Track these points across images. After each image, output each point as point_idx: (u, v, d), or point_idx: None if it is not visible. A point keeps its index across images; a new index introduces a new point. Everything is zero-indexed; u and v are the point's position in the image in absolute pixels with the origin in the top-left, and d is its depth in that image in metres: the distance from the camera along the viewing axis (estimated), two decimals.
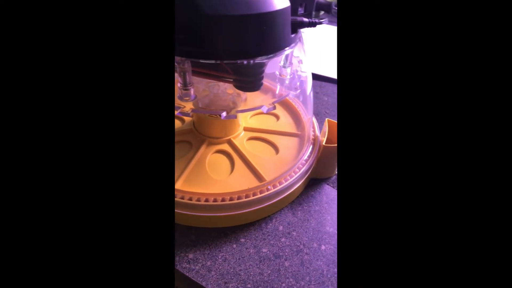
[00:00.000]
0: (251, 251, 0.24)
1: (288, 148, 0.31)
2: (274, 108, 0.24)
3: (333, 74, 0.49)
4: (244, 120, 0.34)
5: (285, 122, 0.35)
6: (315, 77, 0.48)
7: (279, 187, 0.26)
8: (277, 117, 0.36)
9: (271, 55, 0.21)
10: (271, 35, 0.20)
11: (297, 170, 0.28)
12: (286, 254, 0.24)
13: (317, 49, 0.57)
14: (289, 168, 0.28)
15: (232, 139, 0.31)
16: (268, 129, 0.33)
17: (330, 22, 0.70)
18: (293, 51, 0.26)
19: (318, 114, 0.40)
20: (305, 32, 0.63)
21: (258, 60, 0.21)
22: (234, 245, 0.24)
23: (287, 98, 0.37)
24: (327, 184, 0.30)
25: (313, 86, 0.47)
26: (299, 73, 0.29)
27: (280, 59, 0.26)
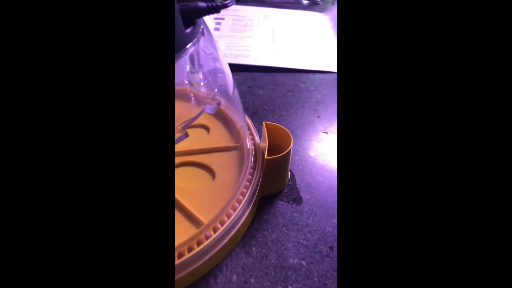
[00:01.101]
0: None
1: (226, 168, 0.25)
2: (186, 135, 0.17)
3: (267, 62, 0.43)
4: None
5: (218, 134, 0.28)
6: (245, 68, 0.42)
7: (222, 229, 0.20)
8: (208, 129, 0.29)
9: None
10: None
11: (241, 197, 0.22)
12: None
13: (242, 35, 0.51)
14: (231, 197, 0.22)
15: None
16: (198, 148, 0.27)
17: (258, 4, 0.64)
18: (199, 48, 0.20)
19: (256, 113, 0.34)
20: (228, 17, 0.56)
21: None
22: None
23: None
24: (281, 200, 0.25)
25: (245, 79, 0.41)
26: (219, 74, 0.23)
27: (183, 64, 0.20)
